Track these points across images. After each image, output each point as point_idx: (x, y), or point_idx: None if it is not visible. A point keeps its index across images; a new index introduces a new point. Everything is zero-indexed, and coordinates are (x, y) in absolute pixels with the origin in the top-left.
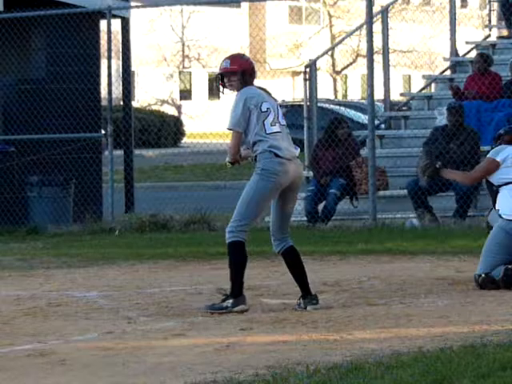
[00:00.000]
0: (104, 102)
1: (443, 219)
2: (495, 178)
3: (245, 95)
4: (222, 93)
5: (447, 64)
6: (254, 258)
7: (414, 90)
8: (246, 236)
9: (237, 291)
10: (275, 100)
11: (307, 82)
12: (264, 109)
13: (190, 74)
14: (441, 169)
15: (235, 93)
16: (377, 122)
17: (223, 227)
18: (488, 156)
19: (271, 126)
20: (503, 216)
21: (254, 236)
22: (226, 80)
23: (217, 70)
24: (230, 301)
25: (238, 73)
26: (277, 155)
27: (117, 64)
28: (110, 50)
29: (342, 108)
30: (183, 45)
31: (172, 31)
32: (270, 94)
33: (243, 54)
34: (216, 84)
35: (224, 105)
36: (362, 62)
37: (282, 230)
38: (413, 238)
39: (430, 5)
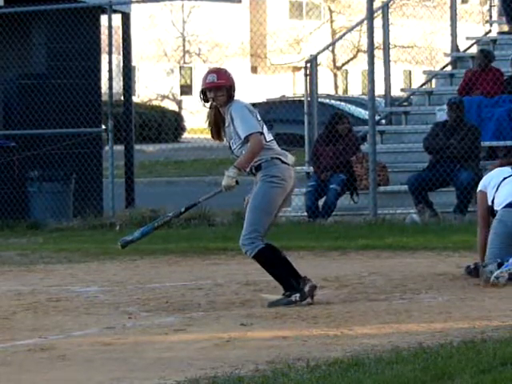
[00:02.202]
0: (104, 97)
1: (444, 215)
2: (493, 204)
3: (241, 104)
4: (205, 106)
5: (448, 60)
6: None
7: (415, 85)
8: (262, 239)
9: (294, 287)
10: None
11: (308, 78)
12: (259, 118)
13: (191, 69)
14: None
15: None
16: (377, 117)
17: (223, 223)
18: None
19: (268, 134)
20: (496, 208)
21: None
22: (211, 94)
23: (217, 65)
24: (297, 295)
25: (226, 87)
26: (283, 161)
27: (117, 59)
28: (110, 45)
29: (343, 103)
30: (184, 40)
31: (173, 26)
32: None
33: (226, 69)
34: (200, 98)
35: None
36: (363, 58)
37: (266, 233)
38: (413, 233)
39: (431, 0)
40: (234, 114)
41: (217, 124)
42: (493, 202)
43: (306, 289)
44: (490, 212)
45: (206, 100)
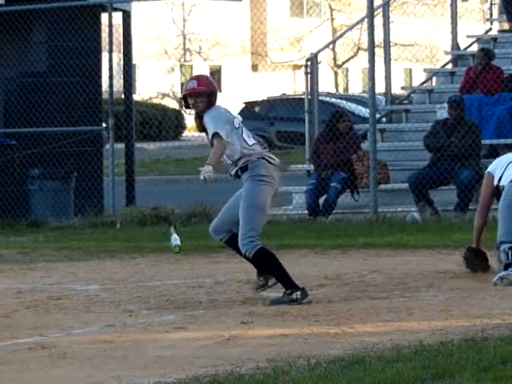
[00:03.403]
0: (105, 96)
1: (444, 213)
2: (500, 181)
3: (217, 111)
4: (186, 113)
5: (448, 58)
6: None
7: (415, 83)
8: (259, 239)
9: (294, 285)
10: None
11: (308, 76)
12: (237, 125)
13: (191, 67)
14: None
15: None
16: (378, 115)
17: None
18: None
19: (249, 137)
20: (503, 183)
21: None
22: (191, 101)
23: (218, 64)
24: (298, 293)
25: (206, 94)
26: (270, 162)
27: (118, 57)
28: (111, 43)
29: (343, 101)
30: (184, 38)
31: (173, 24)
32: (231, 113)
33: (208, 76)
34: (181, 104)
35: (225, 98)
36: (364, 56)
37: (235, 226)
38: (414, 231)
39: None
40: (206, 119)
41: (205, 130)
42: (499, 180)
43: (307, 299)
44: (496, 192)
45: (187, 106)
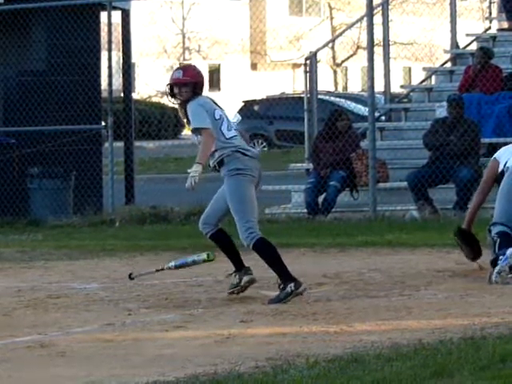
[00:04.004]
0: (104, 94)
1: (443, 211)
2: (505, 166)
3: (198, 102)
4: (172, 103)
5: (447, 56)
6: (253, 251)
7: (415, 82)
8: (258, 229)
9: (290, 277)
10: (223, 109)
11: (307, 74)
12: (217, 116)
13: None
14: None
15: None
16: (377, 114)
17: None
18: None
19: (228, 131)
20: (509, 164)
21: None
22: (176, 90)
23: (217, 62)
24: (291, 284)
25: (191, 84)
26: (245, 154)
27: (117, 56)
28: (110, 41)
29: (343, 100)
30: (184, 37)
31: (172, 23)
32: (217, 104)
33: (195, 66)
34: (166, 93)
35: (224, 96)
36: (363, 55)
37: (221, 221)
38: (413, 230)
39: None
40: (188, 109)
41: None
42: (505, 165)
43: (301, 289)
44: (500, 178)
45: (172, 95)
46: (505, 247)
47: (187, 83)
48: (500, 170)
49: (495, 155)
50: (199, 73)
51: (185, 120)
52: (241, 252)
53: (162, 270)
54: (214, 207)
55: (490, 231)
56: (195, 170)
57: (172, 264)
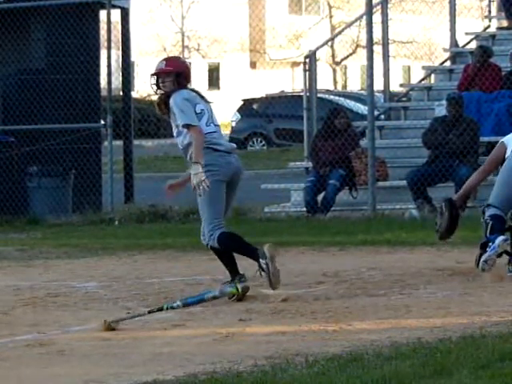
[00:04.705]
0: (104, 93)
1: None
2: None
3: (181, 95)
4: (156, 93)
5: (447, 55)
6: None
7: (414, 80)
8: (224, 226)
9: (255, 253)
10: (209, 102)
11: (307, 73)
12: (198, 110)
13: (190, 64)
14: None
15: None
16: (376, 112)
17: None
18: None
19: (206, 126)
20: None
21: (251, 227)
22: (160, 80)
23: (216, 61)
24: (263, 261)
25: (172, 74)
26: (216, 150)
27: (116, 54)
28: (109, 40)
29: (342, 99)
30: (183, 35)
31: (172, 21)
32: (203, 97)
33: (179, 57)
34: (151, 83)
35: (224, 95)
36: (362, 53)
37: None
38: (412, 228)
39: None
40: (173, 103)
41: (167, 111)
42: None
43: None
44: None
45: (158, 86)
46: (496, 232)
47: (170, 73)
48: (507, 155)
49: (503, 139)
50: (183, 63)
51: (164, 114)
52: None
53: (161, 310)
54: None
55: (483, 213)
56: (197, 172)
57: (178, 303)
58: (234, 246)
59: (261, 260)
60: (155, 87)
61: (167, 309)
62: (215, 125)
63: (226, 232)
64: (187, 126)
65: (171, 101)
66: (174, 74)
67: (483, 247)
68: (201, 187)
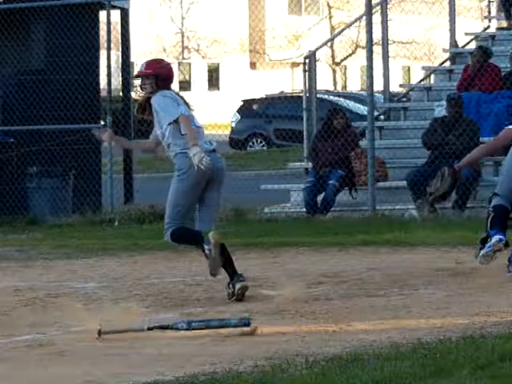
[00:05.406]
0: (103, 93)
1: (442, 210)
2: None
3: (162, 94)
4: (138, 96)
5: (446, 55)
6: (253, 249)
7: (414, 81)
8: (181, 222)
9: (201, 240)
10: (191, 109)
11: (306, 73)
12: (181, 109)
13: (190, 64)
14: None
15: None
16: (376, 113)
17: (221, 218)
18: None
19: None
20: None
21: (251, 227)
22: (141, 82)
23: (216, 61)
24: (207, 247)
25: (152, 77)
26: None
27: (116, 55)
28: (109, 40)
29: (342, 99)
30: (182, 36)
31: (171, 22)
32: (186, 103)
33: (162, 60)
34: (135, 86)
35: (224, 95)
36: (362, 53)
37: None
38: (412, 229)
39: None
40: (155, 104)
41: (146, 113)
42: None
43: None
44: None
45: (142, 88)
46: (496, 227)
47: (149, 75)
48: None
49: (511, 126)
50: (164, 66)
51: (143, 115)
52: (240, 253)
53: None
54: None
55: (490, 201)
56: (196, 152)
57: (182, 325)
58: (184, 239)
59: (205, 245)
60: (140, 89)
61: (171, 329)
62: (196, 126)
63: (175, 228)
64: (175, 122)
65: (153, 102)
66: (153, 76)
67: (483, 242)
68: (202, 166)
